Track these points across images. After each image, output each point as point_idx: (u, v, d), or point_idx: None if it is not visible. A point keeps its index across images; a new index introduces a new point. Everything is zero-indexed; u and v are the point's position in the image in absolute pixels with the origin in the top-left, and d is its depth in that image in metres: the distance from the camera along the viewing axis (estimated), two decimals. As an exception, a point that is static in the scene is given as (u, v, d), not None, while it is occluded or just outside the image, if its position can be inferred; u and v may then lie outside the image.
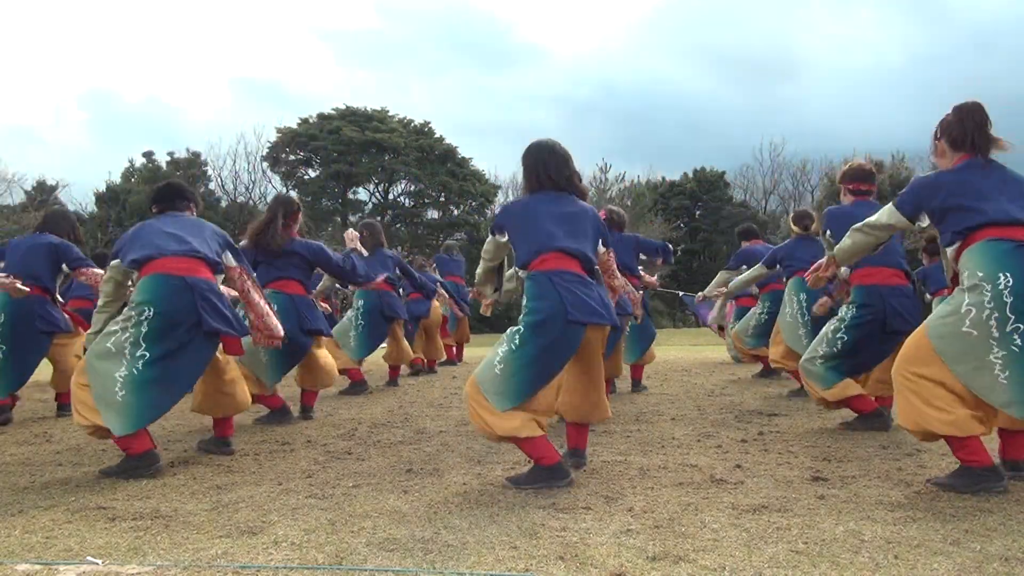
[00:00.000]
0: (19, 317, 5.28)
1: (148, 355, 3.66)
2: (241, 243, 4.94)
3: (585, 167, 65.70)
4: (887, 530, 2.67)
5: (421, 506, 3.07)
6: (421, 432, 4.89)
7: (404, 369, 8.42)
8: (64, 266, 5.55)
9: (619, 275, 3.97)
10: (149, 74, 57.21)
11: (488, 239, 3.76)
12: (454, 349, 10.44)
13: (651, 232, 30.74)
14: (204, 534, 2.73)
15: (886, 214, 3.51)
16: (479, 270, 3.93)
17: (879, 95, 58.87)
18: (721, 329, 10.14)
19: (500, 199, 39.37)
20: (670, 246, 6.84)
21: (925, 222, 3.36)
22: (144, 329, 3.66)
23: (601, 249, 3.65)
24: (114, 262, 3.97)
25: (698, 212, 39.11)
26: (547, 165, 3.52)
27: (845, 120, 55.50)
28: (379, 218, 35.04)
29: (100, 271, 5.29)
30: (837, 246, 3.82)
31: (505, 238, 3.57)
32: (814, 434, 4.68)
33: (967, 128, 3.28)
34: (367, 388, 7.18)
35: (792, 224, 6.75)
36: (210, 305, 3.82)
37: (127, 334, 3.66)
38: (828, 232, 4.66)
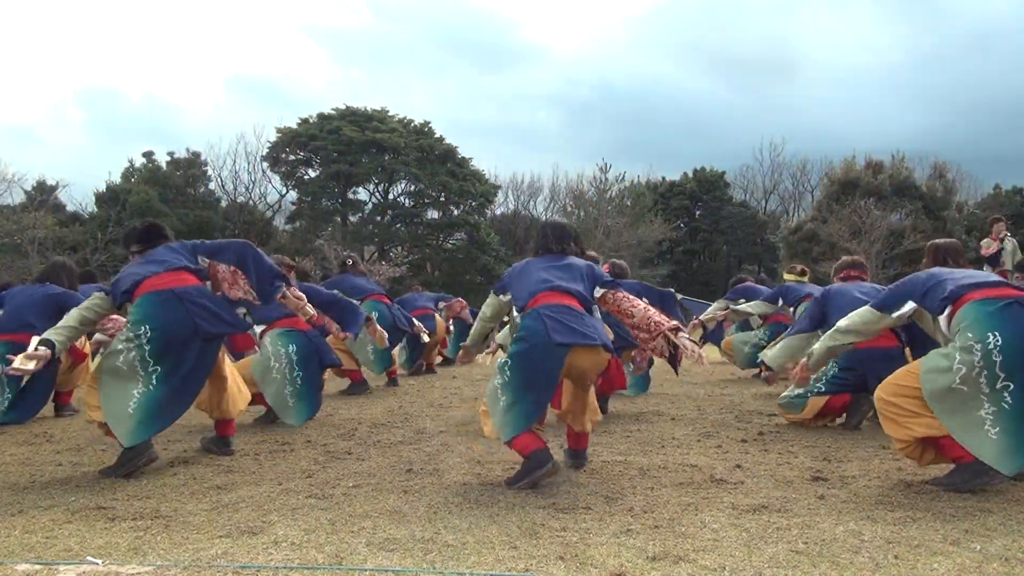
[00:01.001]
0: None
1: (160, 369, 3.71)
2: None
3: (585, 167, 65.70)
4: (887, 530, 2.67)
5: (421, 506, 3.07)
6: (421, 432, 4.90)
7: (402, 369, 8.50)
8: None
9: (636, 310, 3.66)
10: (146, 72, 57.23)
11: (490, 299, 3.95)
12: (455, 350, 10.61)
13: (651, 232, 30.67)
14: (204, 534, 2.73)
15: (861, 316, 3.69)
16: (475, 331, 4.07)
17: (879, 95, 58.95)
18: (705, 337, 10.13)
19: (500, 199, 39.38)
20: (675, 294, 6.51)
21: (903, 309, 3.54)
22: (147, 347, 3.71)
23: (601, 291, 3.69)
24: (99, 293, 3.97)
25: (698, 212, 39.13)
26: (547, 236, 3.88)
27: (845, 120, 55.53)
28: (379, 218, 35.12)
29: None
30: (815, 350, 3.89)
31: (508, 296, 3.78)
32: (814, 434, 4.69)
33: (939, 255, 3.91)
34: (367, 388, 7.18)
35: (786, 274, 7.46)
36: (203, 309, 3.83)
37: (132, 353, 3.70)
38: (823, 315, 4.87)
